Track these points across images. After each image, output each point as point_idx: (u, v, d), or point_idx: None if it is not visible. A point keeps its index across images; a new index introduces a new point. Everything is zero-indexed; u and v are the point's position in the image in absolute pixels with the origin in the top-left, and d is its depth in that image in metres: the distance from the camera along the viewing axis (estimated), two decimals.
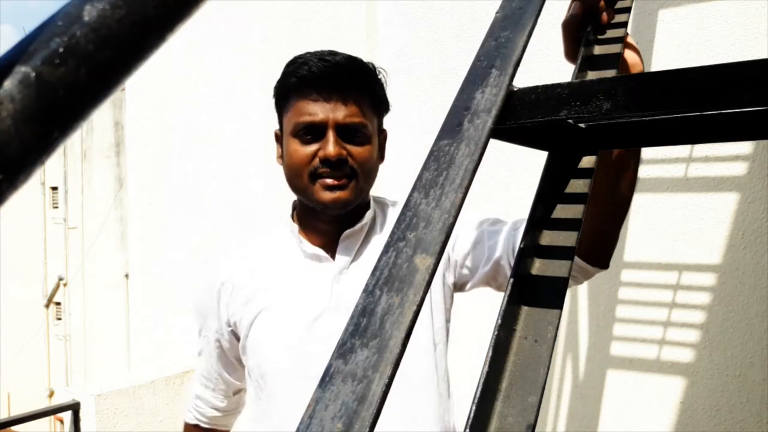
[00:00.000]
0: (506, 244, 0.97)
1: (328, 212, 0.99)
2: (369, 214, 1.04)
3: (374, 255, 1.02)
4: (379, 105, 1.04)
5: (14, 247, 10.67)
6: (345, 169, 0.96)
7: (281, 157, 1.04)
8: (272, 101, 1.07)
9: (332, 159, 0.94)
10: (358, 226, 1.02)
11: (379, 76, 1.03)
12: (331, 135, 0.95)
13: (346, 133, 0.97)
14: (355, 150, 0.97)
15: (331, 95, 0.96)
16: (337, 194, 0.96)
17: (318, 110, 0.96)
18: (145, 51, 0.26)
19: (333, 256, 1.02)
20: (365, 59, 1.03)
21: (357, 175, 0.98)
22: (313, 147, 0.96)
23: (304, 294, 1.00)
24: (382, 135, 1.09)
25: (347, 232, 1.02)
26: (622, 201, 0.89)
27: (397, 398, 0.93)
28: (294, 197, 1.08)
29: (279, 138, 1.06)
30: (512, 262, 0.93)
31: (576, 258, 0.83)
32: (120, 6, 0.25)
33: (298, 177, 0.98)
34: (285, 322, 0.98)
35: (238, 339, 1.04)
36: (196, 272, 2.97)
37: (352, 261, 1.02)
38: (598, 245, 0.90)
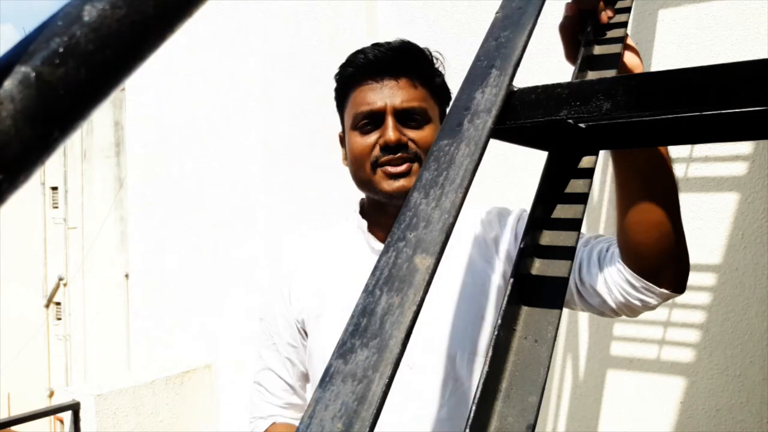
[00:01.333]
0: (575, 263, 0.91)
1: (393, 202, 0.96)
2: None
3: (447, 250, 1.00)
4: (440, 92, 1.01)
5: (14, 247, 10.67)
6: (406, 153, 0.94)
7: (346, 158, 1.03)
8: (272, 101, 1.07)
9: (392, 144, 0.92)
10: None
11: (436, 62, 1.01)
12: (390, 120, 0.94)
13: (405, 117, 0.95)
14: (415, 134, 0.95)
15: (386, 80, 0.95)
16: (401, 182, 0.93)
17: (375, 98, 0.95)
18: (145, 51, 0.26)
19: None
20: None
21: (420, 159, 0.95)
22: (374, 136, 0.95)
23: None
24: (443, 118, 1.06)
25: None
26: (660, 215, 0.79)
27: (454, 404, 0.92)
28: (334, 192, 1.08)
29: (342, 139, 1.04)
30: (577, 280, 0.90)
31: (647, 282, 0.81)
32: (120, 6, 0.25)
33: (361, 169, 0.96)
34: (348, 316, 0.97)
35: (304, 338, 1.02)
36: (199, 272, 2.97)
37: None
38: (661, 264, 0.82)
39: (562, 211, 0.61)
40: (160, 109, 3.19)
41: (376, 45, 0.97)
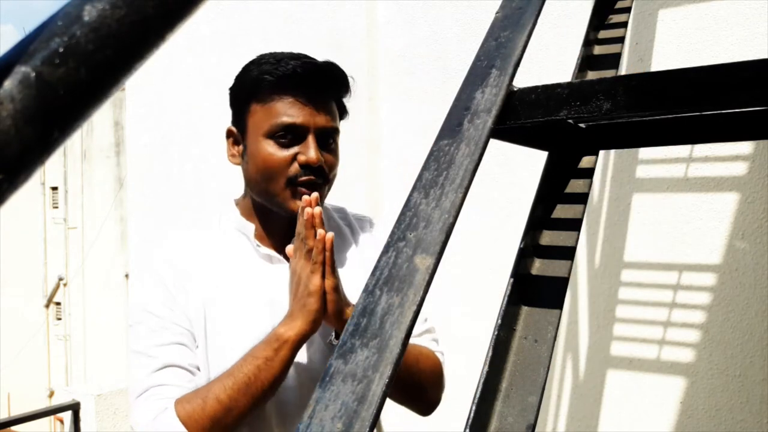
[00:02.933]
0: None
1: (293, 217, 0.95)
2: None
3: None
4: (343, 111, 1.03)
5: (14, 247, 10.67)
6: (320, 178, 0.95)
7: (239, 155, 1.00)
8: None
9: (314, 165, 0.93)
10: None
11: (351, 87, 1.02)
12: (311, 140, 0.93)
13: (323, 139, 0.95)
14: (328, 157, 0.96)
15: (312, 98, 0.94)
16: None
17: (299, 113, 0.93)
18: (145, 51, 0.26)
19: (285, 258, 0.99)
20: (365, 60, 1.03)
21: (328, 182, 0.97)
22: (291, 151, 0.94)
23: (261, 295, 0.96)
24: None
25: None
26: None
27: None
28: (232, 195, 1.07)
29: (234, 135, 1.01)
30: None
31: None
32: (120, 6, 0.25)
33: (271, 180, 0.94)
34: (245, 323, 0.94)
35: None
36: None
37: None
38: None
39: (562, 211, 0.61)
40: (160, 109, 3.19)
41: (301, 59, 0.96)
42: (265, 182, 0.95)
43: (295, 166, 0.93)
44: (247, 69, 1.00)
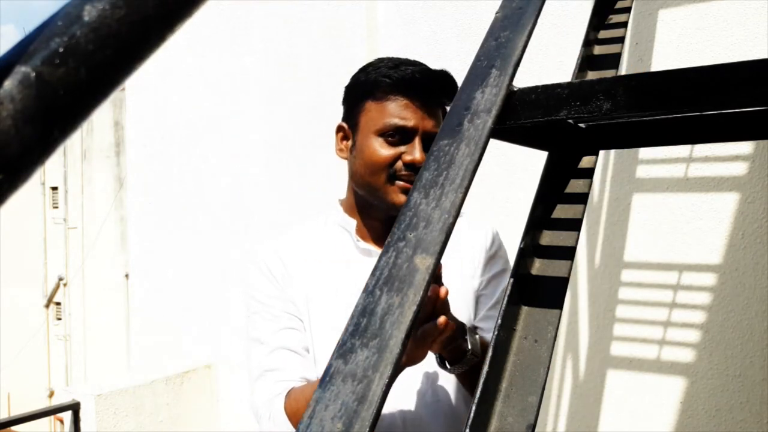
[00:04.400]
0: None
1: (394, 212, 1.02)
2: None
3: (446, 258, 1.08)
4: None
5: (14, 247, 10.67)
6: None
7: (347, 150, 1.07)
8: (272, 101, 1.08)
9: (418, 165, 0.97)
10: None
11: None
12: (418, 142, 0.99)
13: (427, 141, 1.01)
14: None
15: (424, 103, 1.01)
16: None
17: (412, 115, 1.00)
18: (145, 51, 0.26)
19: None
20: (365, 60, 1.06)
21: None
22: (398, 149, 1.00)
23: (357, 289, 0.99)
24: None
25: None
26: None
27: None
28: (335, 192, 1.11)
29: (345, 131, 1.08)
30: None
31: None
32: (120, 6, 0.25)
33: (375, 175, 1.01)
34: (342, 316, 0.97)
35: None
36: (199, 272, 2.97)
37: None
38: None
39: (562, 211, 0.61)
40: (160, 109, 3.19)
41: (418, 64, 1.03)
42: (369, 176, 1.02)
43: (399, 164, 1.00)
44: (364, 69, 1.06)
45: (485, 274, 1.11)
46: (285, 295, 1.02)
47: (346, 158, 1.08)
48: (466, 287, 1.08)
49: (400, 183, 1.00)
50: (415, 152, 0.99)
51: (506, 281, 1.12)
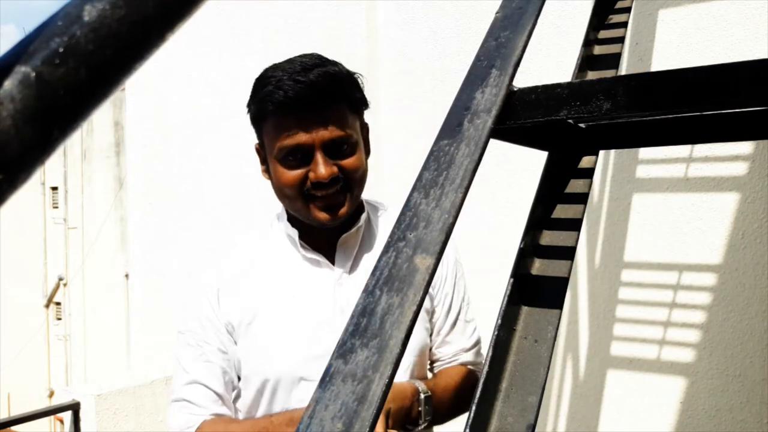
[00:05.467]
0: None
1: (326, 227, 0.99)
2: (363, 217, 1.04)
3: (372, 258, 1.04)
4: (358, 105, 1.01)
5: (14, 247, 10.67)
6: (338, 187, 0.95)
7: (267, 172, 1.02)
8: None
9: (325, 181, 0.93)
10: (354, 229, 1.02)
11: (356, 78, 1.00)
12: (319, 156, 0.93)
13: (333, 148, 0.94)
14: (345, 162, 0.95)
15: (310, 117, 0.92)
16: (333, 214, 0.96)
17: (300, 133, 0.93)
18: (145, 51, 0.26)
19: (331, 261, 1.01)
20: (365, 60, 1.03)
21: (351, 186, 0.97)
22: (302, 170, 0.94)
23: (306, 298, 0.99)
24: (365, 130, 1.05)
25: (344, 236, 1.02)
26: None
27: None
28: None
29: (260, 153, 1.03)
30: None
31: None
32: (120, 6, 0.25)
33: (289, 199, 0.97)
34: (286, 328, 0.97)
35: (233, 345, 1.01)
36: (199, 272, 2.97)
37: (352, 265, 1.02)
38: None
39: (562, 211, 0.61)
40: (160, 109, 3.19)
41: (295, 80, 0.92)
42: (285, 200, 0.99)
43: (307, 183, 0.95)
44: (255, 90, 0.99)
45: (436, 289, 1.09)
46: (214, 325, 0.98)
47: (269, 179, 1.03)
48: (426, 310, 1.07)
49: (317, 202, 0.95)
50: (318, 169, 0.92)
51: (462, 293, 1.13)
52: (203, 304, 1.01)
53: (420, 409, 0.94)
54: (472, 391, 1.09)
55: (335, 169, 0.94)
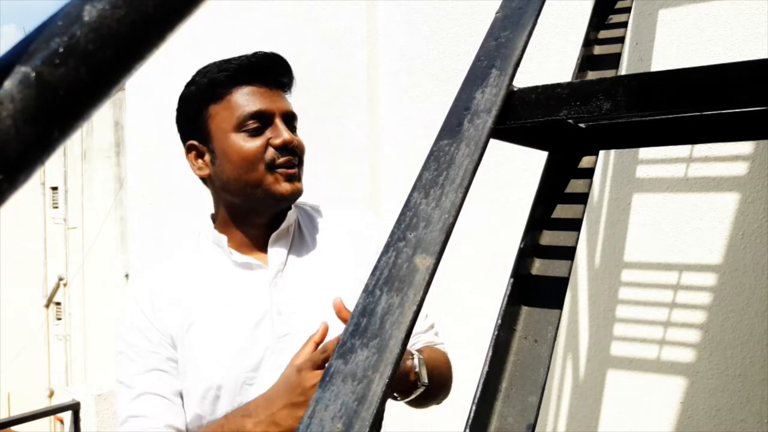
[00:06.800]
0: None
1: (282, 205, 0.98)
2: (292, 215, 1.03)
3: (305, 257, 1.03)
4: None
5: (14, 247, 10.67)
6: (295, 156, 0.97)
7: (207, 165, 0.99)
8: None
9: (290, 145, 0.94)
10: (284, 226, 1.01)
11: (293, 74, 1.05)
12: (279, 123, 0.95)
13: (287, 122, 0.97)
14: (297, 139, 0.98)
15: (269, 87, 0.97)
16: (296, 185, 0.96)
17: (262, 99, 0.95)
18: (145, 51, 0.26)
19: (263, 263, 0.99)
20: (365, 60, 1.04)
21: (302, 163, 1.00)
22: (263, 138, 0.94)
23: (241, 302, 0.97)
24: None
25: (275, 234, 1.00)
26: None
27: None
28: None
29: (196, 148, 1.01)
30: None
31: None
32: (120, 6, 0.25)
33: (251, 171, 0.94)
34: (223, 334, 0.94)
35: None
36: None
37: (285, 265, 1.00)
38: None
39: (562, 211, 0.61)
40: (160, 109, 3.19)
41: (247, 55, 0.99)
42: (245, 175, 0.95)
43: (270, 151, 0.94)
44: (191, 84, 1.01)
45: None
46: (156, 336, 0.94)
47: (208, 174, 1.00)
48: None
49: (281, 170, 0.94)
50: (282, 133, 0.94)
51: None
52: (139, 316, 0.96)
53: (417, 371, 0.89)
54: (449, 368, 1.07)
55: (294, 138, 0.96)
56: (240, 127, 0.95)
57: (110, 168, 9.30)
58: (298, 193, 0.97)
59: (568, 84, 0.50)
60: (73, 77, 0.24)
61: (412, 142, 2.16)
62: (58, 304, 10.48)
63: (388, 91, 2.26)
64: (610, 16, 0.99)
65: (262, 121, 0.95)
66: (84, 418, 2.44)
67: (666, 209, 1.73)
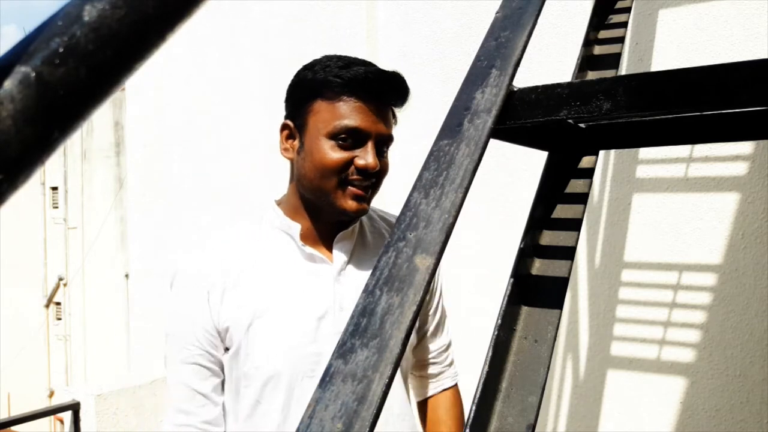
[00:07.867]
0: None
1: (343, 218, 1.00)
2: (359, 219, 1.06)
3: (367, 255, 1.06)
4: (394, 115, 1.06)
5: (14, 247, 10.67)
6: (372, 180, 0.97)
7: (294, 150, 1.00)
8: (272, 101, 1.06)
9: (372, 171, 0.95)
10: (350, 228, 1.03)
11: (409, 96, 1.04)
12: (371, 146, 0.95)
13: (380, 145, 0.98)
14: (383, 162, 0.98)
15: (377, 106, 0.96)
16: (362, 205, 0.97)
17: (364, 118, 0.95)
18: (145, 51, 0.26)
19: (327, 258, 1.01)
20: (365, 59, 1.04)
21: (377, 186, 1.00)
22: (350, 153, 0.95)
23: (305, 295, 0.98)
24: None
25: (341, 234, 1.02)
26: None
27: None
28: (275, 193, 1.08)
29: (291, 129, 1.01)
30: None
31: None
32: (120, 6, 0.25)
33: (325, 179, 0.95)
34: (288, 324, 0.96)
35: (225, 349, 0.98)
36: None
37: (348, 262, 1.03)
38: None
39: (562, 211, 0.61)
40: (160, 109, 3.19)
41: (368, 64, 0.98)
42: (318, 180, 0.96)
43: (351, 169, 0.95)
44: (311, 67, 1.01)
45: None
46: (201, 322, 0.96)
47: (291, 158, 1.01)
48: None
49: (352, 189, 0.95)
50: (368, 157, 0.94)
51: (440, 287, 1.17)
52: (192, 305, 0.98)
53: None
54: (463, 416, 1.14)
55: (379, 163, 0.96)
56: (333, 135, 0.95)
57: (110, 168, 9.29)
58: (361, 212, 0.98)
59: (568, 84, 0.50)
60: (73, 77, 0.24)
61: (412, 142, 2.16)
62: (58, 304, 10.48)
63: None
64: (610, 16, 0.99)
65: (355, 138, 0.95)
66: (84, 418, 2.44)
67: (666, 209, 1.73)
